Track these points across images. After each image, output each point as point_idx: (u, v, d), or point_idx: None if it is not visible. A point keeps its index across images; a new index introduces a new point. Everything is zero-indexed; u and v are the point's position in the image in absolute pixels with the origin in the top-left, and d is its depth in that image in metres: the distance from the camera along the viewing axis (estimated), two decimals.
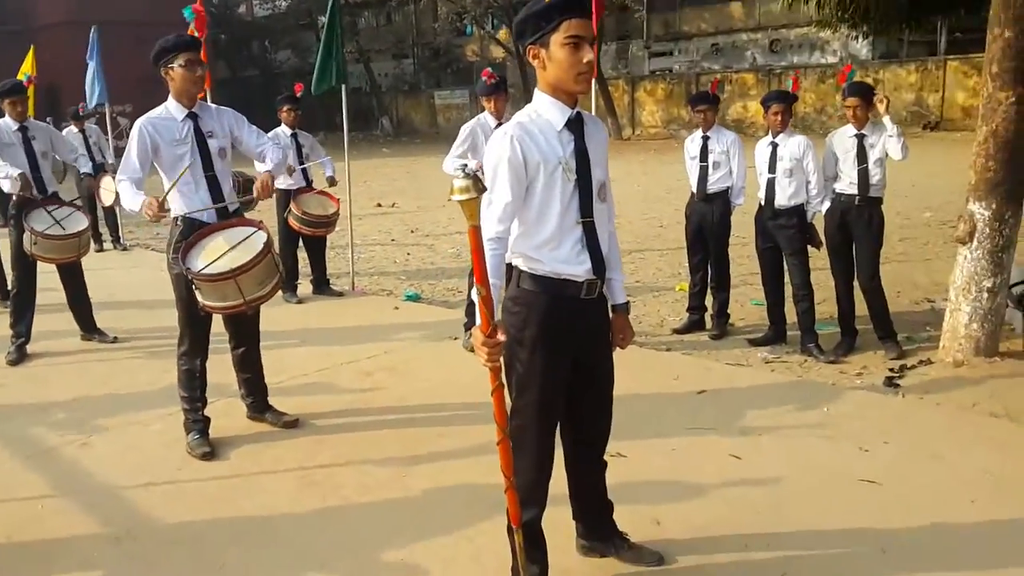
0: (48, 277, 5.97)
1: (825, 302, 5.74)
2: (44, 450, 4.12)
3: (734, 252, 6.16)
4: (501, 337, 2.26)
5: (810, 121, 24.92)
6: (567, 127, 2.48)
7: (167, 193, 3.84)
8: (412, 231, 11.23)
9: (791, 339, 5.57)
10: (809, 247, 5.50)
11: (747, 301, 6.64)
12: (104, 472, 3.84)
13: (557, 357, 2.57)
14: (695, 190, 5.87)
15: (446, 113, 35.79)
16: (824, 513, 3.24)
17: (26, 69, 9.66)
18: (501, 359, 2.29)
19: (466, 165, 2.16)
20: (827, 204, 5.34)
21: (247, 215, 6.13)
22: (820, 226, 5.45)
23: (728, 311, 5.98)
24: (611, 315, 2.77)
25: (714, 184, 5.77)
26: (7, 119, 5.73)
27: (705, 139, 5.80)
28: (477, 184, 2.10)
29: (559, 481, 2.79)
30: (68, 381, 5.19)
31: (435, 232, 11.02)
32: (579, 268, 2.53)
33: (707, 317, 6.04)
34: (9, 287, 6.05)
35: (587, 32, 2.38)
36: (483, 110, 5.70)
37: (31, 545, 3.25)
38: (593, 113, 3.38)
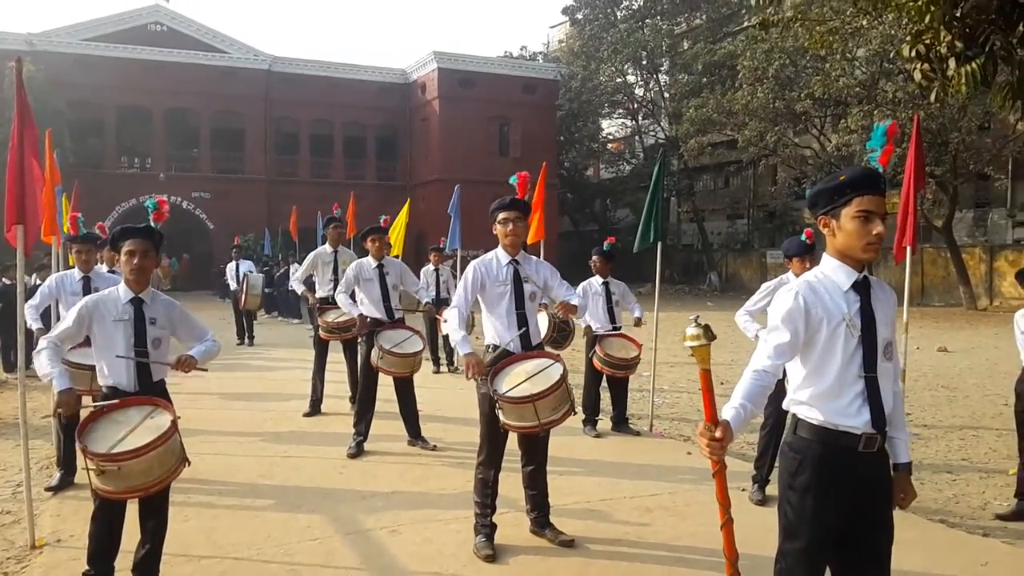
0: (388, 390, 6.97)
1: None
2: (361, 531, 4.82)
3: None
4: (718, 434, 2.45)
5: None
6: (853, 288, 2.63)
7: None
8: (722, 383, 11.18)
9: None
10: None
11: None
12: (404, 558, 4.40)
13: (828, 506, 2.60)
14: None
15: (777, 272, 35.06)
16: None
17: (401, 217, 11.62)
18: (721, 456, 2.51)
19: (699, 316, 2.47)
20: None
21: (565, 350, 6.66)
22: None
23: None
24: (892, 473, 2.75)
25: None
26: (369, 258, 6.91)
27: None
28: (707, 333, 2.45)
29: None
30: (391, 477, 5.98)
31: None
32: (857, 421, 2.59)
33: None
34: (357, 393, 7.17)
35: (878, 207, 2.56)
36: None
37: None
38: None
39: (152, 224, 4.15)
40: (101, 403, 3.77)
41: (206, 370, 4.08)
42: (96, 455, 3.44)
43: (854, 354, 2.59)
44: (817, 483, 2.60)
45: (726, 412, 2.52)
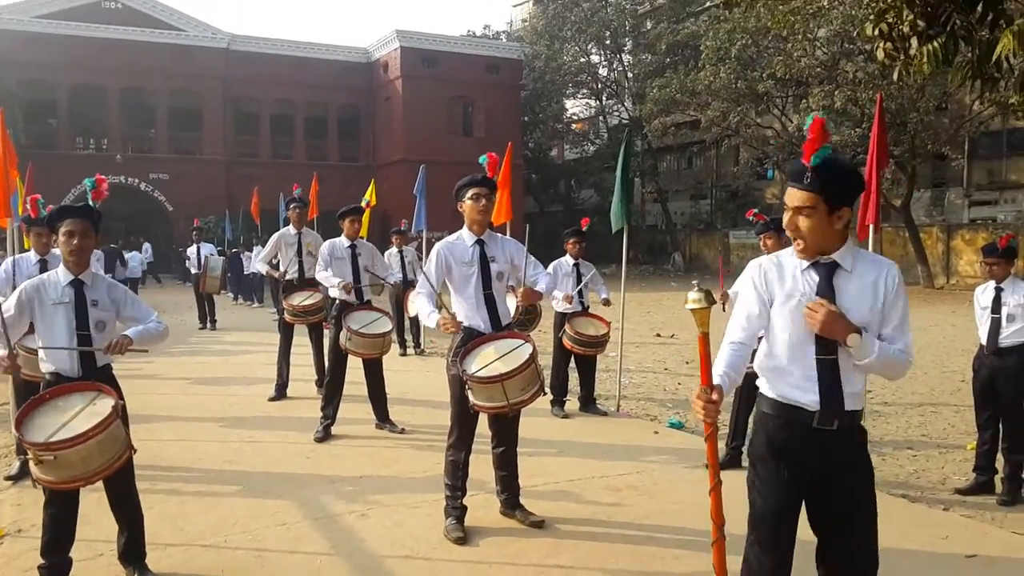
0: (355, 373, 6.91)
1: None
2: (330, 516, 4.77)
3: None
4: (715, 396, 2.51)
5: None
6: (813, 268, 2.64)
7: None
8: (687, 362, 11.31)
9: None
10: None
11: None
12: (374, 541, 4.36)
13: (779, 478, 2.64)
14: (985, 343, 5.48)
15: (740, 252, 35.63)
16: None
17: (368, 197, 11.49)
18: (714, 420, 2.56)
19: (698, 282, 2.56)
20: None
21: (532, 332, 6.64)
22: None
23: None
24: None
25: (1008, 338, 5.35)
26: (342, 238, 6.88)
27: (999, 290, 5.44)
28: (708, 297, 2.54)
29: None
30: (359, 461, 5.93)
31: None
32: (806, 397, 2.61)
33: (998, 480, 5.45)
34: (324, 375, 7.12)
35: (791, 200, 2.60)
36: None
37: None
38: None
39: (91, 203, 4.01)
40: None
41: (147, 351, 3.90)
42: (32, 444, 3.30)
43: (806, 334, 2.60)
44: (767, 455, 2.67)
45: (713, 379, 2.59)
